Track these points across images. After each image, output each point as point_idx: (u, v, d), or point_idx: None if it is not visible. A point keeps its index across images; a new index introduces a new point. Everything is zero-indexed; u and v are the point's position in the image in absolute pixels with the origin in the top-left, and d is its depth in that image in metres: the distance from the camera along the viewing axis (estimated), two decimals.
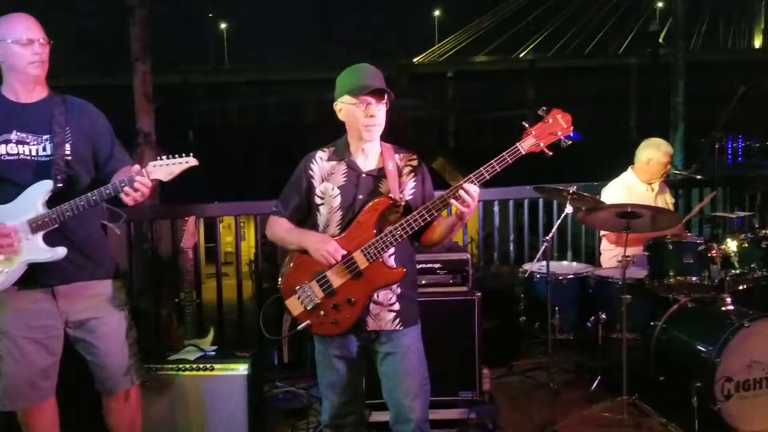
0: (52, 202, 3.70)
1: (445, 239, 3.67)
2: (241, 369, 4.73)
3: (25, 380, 3.86)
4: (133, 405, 4.16)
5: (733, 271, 5.14)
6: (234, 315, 6.39)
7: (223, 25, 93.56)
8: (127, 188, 3.61)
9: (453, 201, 3.41)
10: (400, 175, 3.65)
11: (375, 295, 3.60)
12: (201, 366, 4.73)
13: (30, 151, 3.75)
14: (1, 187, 3.73)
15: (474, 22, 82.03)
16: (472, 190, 3.39)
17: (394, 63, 61.21)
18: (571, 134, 3.52)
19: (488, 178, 3.44)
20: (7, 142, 3.73)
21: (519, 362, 6.20)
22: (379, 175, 3.65)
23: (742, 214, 6.36)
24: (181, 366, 4.73)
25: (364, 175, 3.66)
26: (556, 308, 5.73)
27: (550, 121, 3.49)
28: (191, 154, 3.69)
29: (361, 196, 3.62)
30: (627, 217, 5.10)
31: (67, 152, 3.78)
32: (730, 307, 5.02)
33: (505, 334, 6.21)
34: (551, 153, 3.50)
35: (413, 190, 3.66)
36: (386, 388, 3.74)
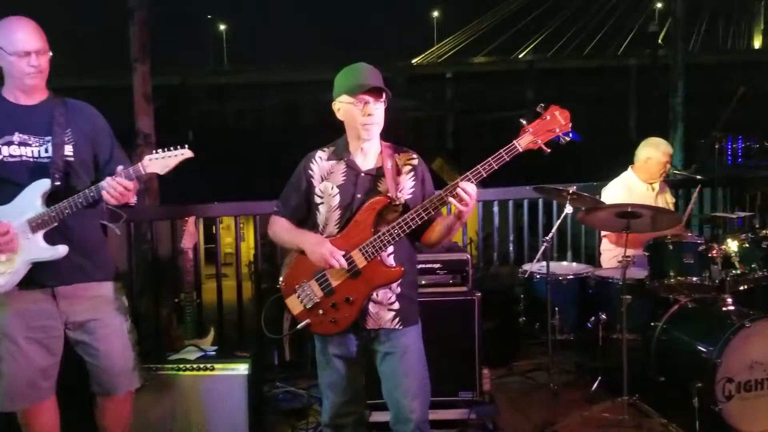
0: (51, 202, 3.71)
1: (444, 239, 3.65)
2: (242, 369, 4.73)
3: (26, 380, 3.87)
4: (129, 406, 4.17)
5: (733, 272, 5.14)
6: (234, 316, 6.39)
7: (222, 27, 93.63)
8: (106, 186, 3.64)
9: (451, 199, 3.40)
10: (399, 174, 3.65)
11: (374, 294, 3.60)
12: (201, 366, 4.73)
13: (32, 152, 3.77)
14: (2, 188, 3.74)
15: (473, 22, 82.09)
16: (469, 189, 3.37)
17: (393, 64, 61.14)
18: (570, 132, 3.51)
19: (485, 176, 3.42)
20: (9, 143, 3.75)
21: (519, 363, 6.20)
22: (378, 174, 3.65)
23: (742, 214, 6.36)
24: (181, 366, 4.73)
25: (362, 174, 3.66)
26: (556, 309, 5.72)
27: (548, 117, 3.47)
28: (186, 146, 3.70)
29: (359, 195, 3.63)
30: (627, 217, 5.09)
31: (69, 153, 3.80)
32: (731, 308, 5.01)
33: (505, 335, 6.20)
34: (549, 150, 3.47)
35: (412, 190, 3.66)
36: (386, 388, 3.73)
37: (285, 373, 5.84)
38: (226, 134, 53.83)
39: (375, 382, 3.77)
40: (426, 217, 3.48)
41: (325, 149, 3.78)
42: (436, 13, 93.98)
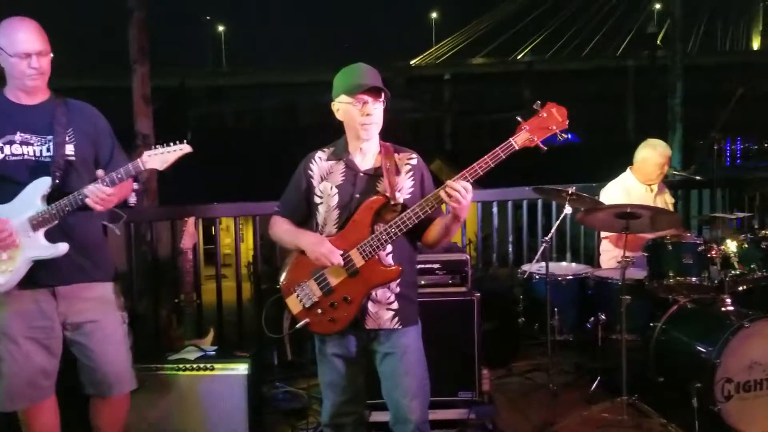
0: (52, 201, 3.72)
1: (442, 239, 3.65)
2: (241, 369, 4.74)
3: (26, 380, 3.88)
4: (124, 408, 4.17)
5: (732, 272, 5.14)
6: (233, 317, 6.39)
7: (220, 28, 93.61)
8: (87, 191, 3.67)
9: (446, 198, 3.40)
10: (397, 174, 3.66)
11: (373, 294, 3.61)
12: (201, 366, 4.73)
13: (34, 152, 3.79)
14: (3, 186, 3.76)
15: (471, 24, 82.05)
16: (460, 187, 3.36)
17: (392, 65, 61.12)
18: (567, 131, 3.49)
19: (482, 174, 3.40)
20: (11, 143, 3.77)
21: (518, 363, 6.21)
22: (377, 174, 3.66)
23: (741, 215, 6.37)
24: (181, 366, 4.73)
25: (361, 174, 3.67)
26: (556, 309, 5.73)
27: (545, 115, 3.45)
28: (185, 141, 3.71)
29: (358, 195, 3.63)
30: (626, 217, 5.10)
31: (70, 153, 3.82)
32: (730, 308, 5.02)
33: (505, 335, 6.21)
34: (546, 148, 3.45)
35: (411, 189, 3.66)
36: (385, 388, 3.74)
37: (285, 373, 5.85)
38: (225, 135, 53.80)
39: (375, 382, 3.78)
40: (423, 216, 3.48)
41: (325, 150, 3.79)
42: (434, 14, 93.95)
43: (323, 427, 3.94)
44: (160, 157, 3.72)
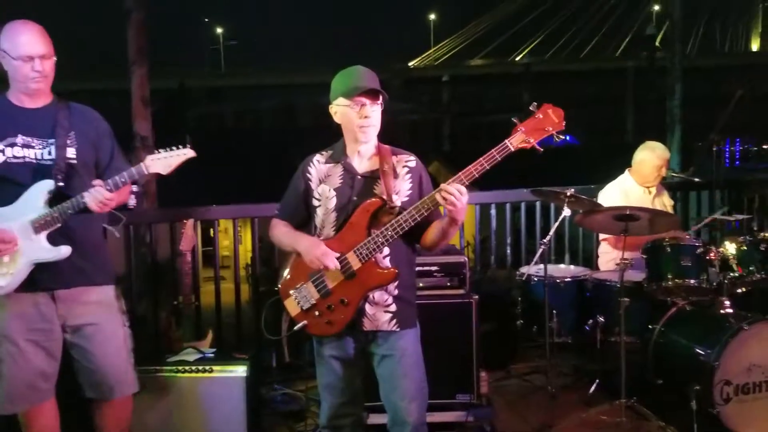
0: (54, 204, 3.73)
1: (440, 242, 3.65)
2: (240, 371, 4.74)
3: (26, 382, 3.88)
4: (128, 410, 4.17)
5: (731, 274, 5.15)
6: (231, 319, 6.39)
7: (219, 30, 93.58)
8: (87, 195, 3.67)
9: (441, 201, 3.39)
10: (395, 177, 3.66)
11: (371, 296, 3.61)
12: (200, 368, 4.74)
13: (35, 154, 3.80)
14: (5, 189, 3.78)
15: (470, 25, 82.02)
16: (454, 190, 3.35)
17: (390, 66, 61.09)
18: (566, 133, 3.49)
19: (477, 176, 3.39)
20: (12, 145, 3.78)
21: (517, 365, 6.21)
22: (375, 176, 3.66)
23: (740, 217, 6.37)
24: (180, 368, 4.74)
25: (359, 176, 3.67)
26: (554, 311, 5.73)
27: (541, 116, 3.43)
28: (188, 146, 3.71)
29: (355, 198, 3.63)
30: (625, 219, 5.10)
31: (71, 156, 3.83)
32: (729, 310, 5.02)
33: (503, 337, 6.21)
34: (542, 150, 3.43)
35: (409, 192, 3.66)
36: (383, 391, 3.74)
37: (283, 375, 5.85)
38: (224, 136, 53.79)
39: (373, 385, 3.77)
40: (419, 219, 3.48)
41: (323, 152, 3.80)
42: (432, 16, 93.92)
43: (321, 429, 3.93)
44: (163, 162, 3.72)
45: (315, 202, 3.72)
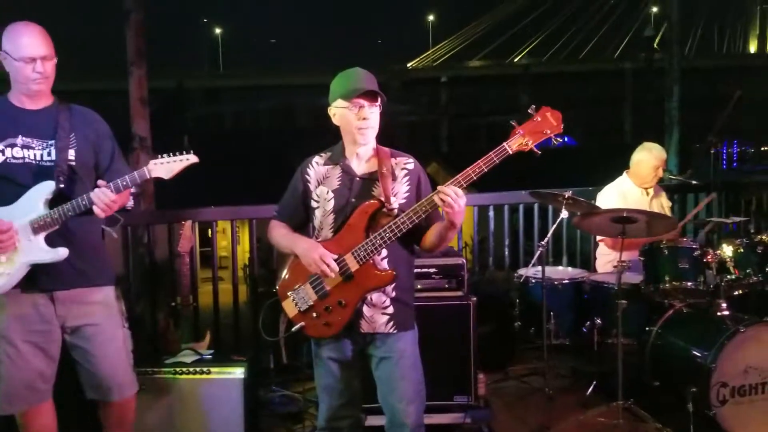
0: (54, 205, 3.73)
1: (439, 244, 3.64)
2: (238, 372, 4.74)
3: (24, 383, 3.88)
4: (130, 410, 4.17)
5: (728, 277, 5.16)
6: (229, 319, 6.40)
7: (218, 30, 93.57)
8: (93, 197, 3.67)
9: (439, 203, 3.39)
10: (394, 179, 3.66)
11: (369, 298, 3.61)
12: (198, 369, 4.74)
13: (35, 155, 3.80)
14: (5, 189, 3.77)
15: (468, 26, 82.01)
16: (451, 192, 3.34)
17: (388, 67, 61.09)
18: (564, 134, 3.49)
19: (475, 179, 3.40)
20: (12, 145, 3.78)
21: (514, 367, 6.20)
22: (373, 178, 3.66)
23: (737, 219, 6.38)
24: (177, 369, 4.74)
25: (357, 178, 3.67)
26: (552, 313, 5.75)
27: (539, 119, 3.44)
28: (191, 152, 3.72)
29: (353, 200, 3.64)
30: (622, 222, 5.10)
31: (71, 158, 3.83)
32: (726, 313, 5.02)
33: (501, 339, 6.20)
34: (540, 153, 3.43)
35: (407, 194, 3.66)
36: (381, 393, 3.74)
37: (281, 377, 5.84)
38: (223, 137, 53.84)
39: (370, 386, 3.78)
40: (416, 221, 3.48)
41: (322, 154, 3.80)
42: (431, 17, 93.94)
43: (319, 431, 3.93)
44: (166, 167, 3.72)
45: (313, 204, 3.72)
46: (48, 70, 3.80)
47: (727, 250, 5.22)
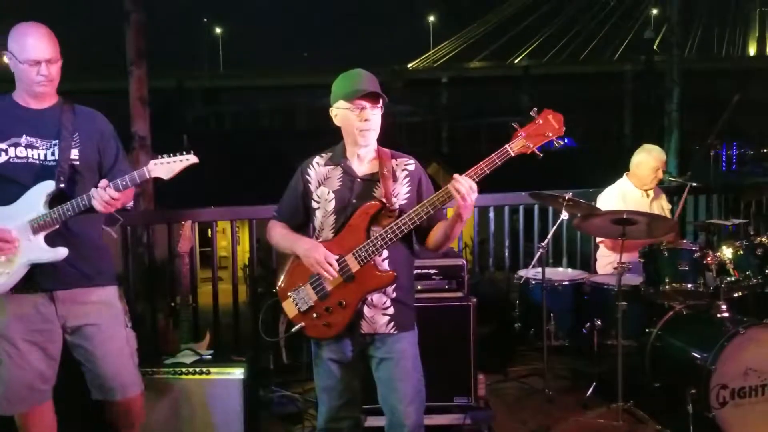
0: (55, 205, 3.73)
1: (445, 241, 3.64)
2: (237, 373, 4.74)
3: (25, 384, 3.88)
4: (137, 408, 4.15)
5: (728, 279, 5.16)
6: (229, 320, 6.39)
7: (218, 30, 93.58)
8: (94, 195, 3.67)
9: (454, 193, 3.38)
10: (395, 180, 3.66)
11: (369, 299, 3.61)
12: (197, 370, 4.74)
13: (38, 155, 3.80)
14: (7, 188, 3.78)
15: (469, 27, 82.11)
16: (465, 183, 3.35)
17: (389, 68, 61.16)
18: (564, 136, 3.50)
19: (477, 180, 3.40)
20: (16, 145, 3.78)
21: (514, 368, 6.20)
22: (374, 179, 3.66)
23: (736, 221, 6.39)
24: (177, 370, 4.74)
25: (358, 179, 3.67)
26: (552, 314, 5.75)
27: (541, 121, 3.44)
28: (192, 152, 3.72)
29: (355, 201, 3.63)
30: (623, 223, 5.10)
31: (74, 158, 3.84)
32: (726, 315, 5.02)
33: (501, 340, 6.21)
34: (542, 155, 3.45)
35: (407, 195, 3.66)
36: (381, 393, 3.73)
37: (281, 378, 5.84)
38: (222, 137, 53.87)
39: (370, 387, 3.77)
40: (418, 222, 3.49)
41: (323, 155, 3.79)
42: (432, 18, 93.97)
43: None
44: (166, 167, 3.72)
45: (314, 204, 3.72)
46: (53, 73, 3.79)
47: (726, 252, 5.22)
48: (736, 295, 5.28)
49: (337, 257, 3.54)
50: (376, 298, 3.61)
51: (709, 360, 4.71)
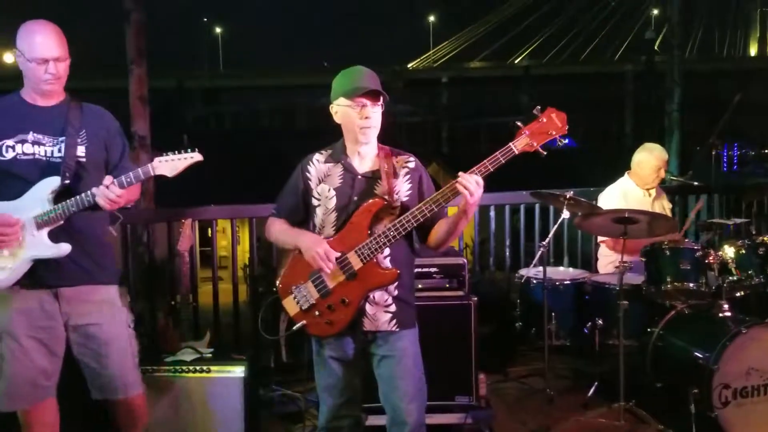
0: (59, 201, 3.73)
1: (448, 238, 3.65)
2: (238, 371, 4.73)
3: (27, 380, 3.87)
4: (139, 407, 4.14)
5: (730, 278, 5.15)
6: (229, 319, 6.38)
7: (218, 30, 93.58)
8: (98, 192, 3.67)
9: (461, 189, 3.38)
10: (395, 177, 3.66)
11: (371, 296, 3.60)
12: (197, 368, 4.73)
13: (45, 152, 3.81)
14: (13, 184, 3.78)
15: (469, 27, 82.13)
16: (473, 180, 3.36)
17: (389, 68, 61.12)
18: (567, 135, 3.50)
19: (481, 177, 3.42)
20: (23, 141, 3.79)
21: (515, 368, 6.20)
22: (375, 176, 3.66)
23: (738, 221, 6.38)
24: (177, 368, 4.73)
25: (359, 177, 3.66)
26: (553, 314, 5.74)
27: (545, 120, 3.47)
28: (196, 150, 3.71)
29: (356, 198, 3.63)
30: (624, 222, 5.09)
31: (81, 155, 3.84)
32: (728, 314, 5.01)
33: (502, 340, 6.20)
34: (545, 153, 3.47)
35: (409, 192, 3.66)
36: (383, 391, 3.72)
37: (281, 376, 5.82)
38: (222, 136, 53.87)
39: (371, 386, 3.77)
40: (422, 220, 3.49)
41: (323, 152, 3.78)
42: (432, 18, 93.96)
43: (320, 431, 3.92)
44: (170, 164, 3.72)
45: (314, 202, 3.71)
46: (60, 71, 3.80)
47: (728, 252, 5.21)
48: (738, 294, 5.27)
49: (339, 254, 3.53)
50: (378, 295, 3.61)
51: (711, 360, 4.70)
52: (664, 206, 6.35)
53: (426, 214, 3.48)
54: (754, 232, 5.88)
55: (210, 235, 6.62)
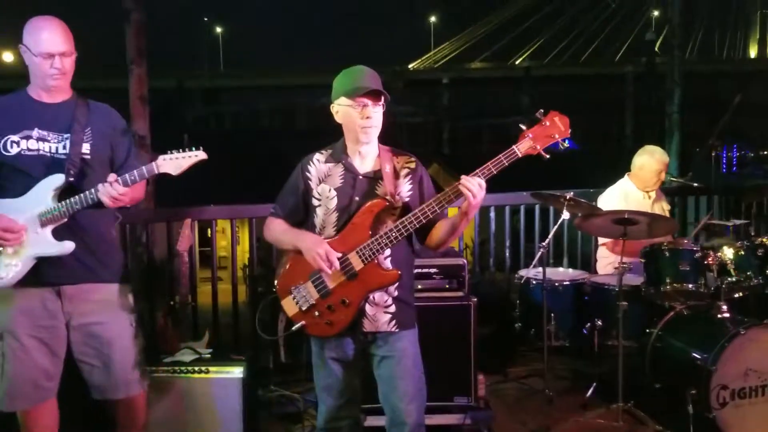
0: (64, 198, 3.73)
1: (448, 239, 3.65)
2: (237, 372, 4.73)
3: (29, 380, 3.86)
4: (138, 407, 4.14)
5: (729, 279, 5.14)
6: (229, 319, 6.38)
7: (219, 30, 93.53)
8: (101, 189, 3.68)
9: (464, 191, 3.39)
10: (396, 178, 3.66)
11: (371, 297, 3.60)
12: (196, 369, 4.72)
13: (50, 148, 3.81)
14: (18, 180, 3.78)
15: (470, 28, 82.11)
16: (476, 182, 3.37)
17: (390, 69, 61.11)
18: (569, 139, 3.51)
19: (483, 180, 3.42)
20: (28, 138, 3.79)
21: (514, 368, 6.21)
22: (376, 177, 3.65)
23: (737, 222, 6.38)
24: (176, 368, 4.72)
25: (360, 177, 3.66)
26: (552, 315, 5.73)
27: (548, 123, 3.47)
28: (200, 148, 3.71)
29: (357, 198, 3.62)
30: (624, 223, 5.09)
31: (86, 152, 3.85)
32: (726, 315, 5.01)
33: (501, 340, 6.20)
34: (548, 156, 3.48)
35: (410, 192, 3.66)
36: (382, 392, 3.72)
37: (280, 377, 5.82)
38: (222, 136, 53.83)
39: (371, 386, 3.77)
40: (424, 221, 3.49)
41: (323, 152, 3.78)
42: (433, 18, 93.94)
43: (318, 431, 3.92)
44: (174, 162, 3.71)
45: (315, 202, 3.70)
46: (66, 66, 3.81)
47: (727, 253, 5.21)
48: (736, 295, 5.27)
49: (340, 255, 3.53)
50: (378, 296, 3.61)
51: (709, 360, 4.70)
52: (663, 208, 6.35)
53: (429, 216, 3.48)
54: (753, 234, 5.87)
55: (209, 235, 6.62)
